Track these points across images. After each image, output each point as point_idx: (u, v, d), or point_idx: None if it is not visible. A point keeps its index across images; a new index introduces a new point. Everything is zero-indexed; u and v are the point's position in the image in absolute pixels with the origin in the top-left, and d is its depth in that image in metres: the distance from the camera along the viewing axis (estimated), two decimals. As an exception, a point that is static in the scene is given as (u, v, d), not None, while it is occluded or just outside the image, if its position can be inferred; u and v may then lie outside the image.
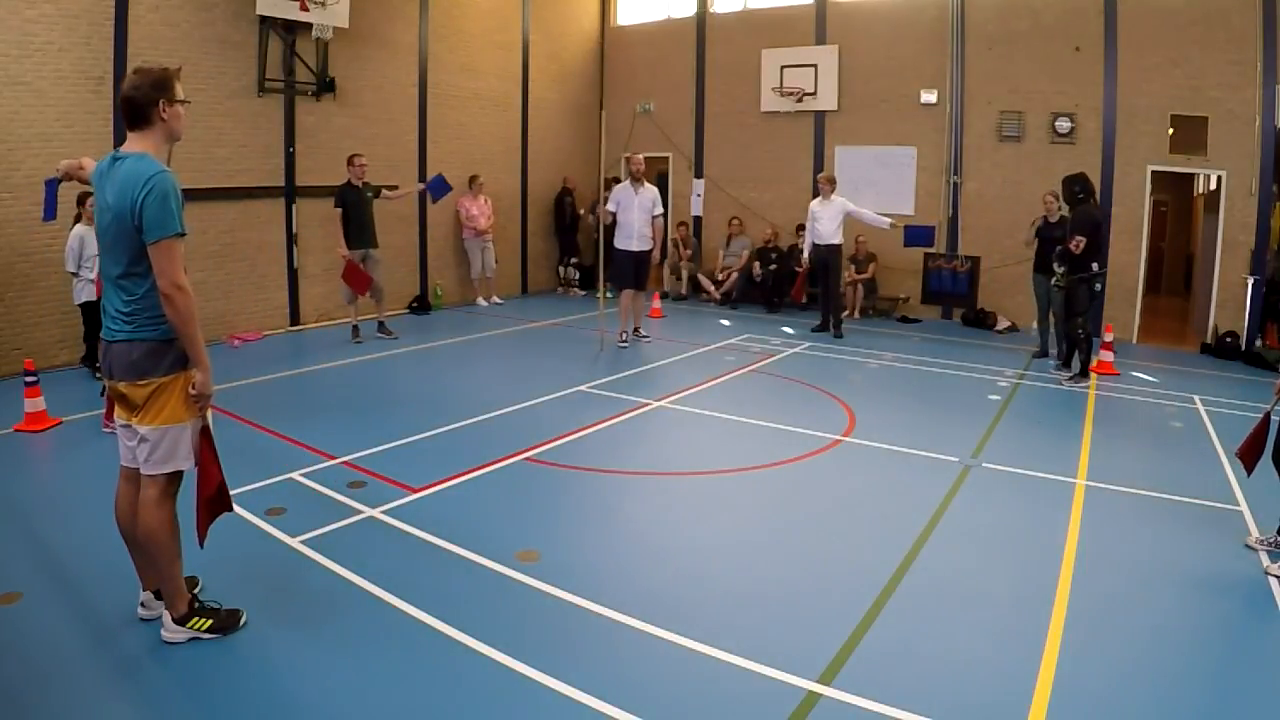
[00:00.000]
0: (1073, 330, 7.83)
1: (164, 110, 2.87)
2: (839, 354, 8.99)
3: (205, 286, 8.75)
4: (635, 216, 8.71)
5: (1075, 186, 7.81)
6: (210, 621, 3.11)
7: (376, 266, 8.92)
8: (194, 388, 2.94)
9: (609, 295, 8.70)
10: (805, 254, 10.32)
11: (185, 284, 2.80)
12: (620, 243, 8.85)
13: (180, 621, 3.07)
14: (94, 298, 6.96)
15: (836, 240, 9.84)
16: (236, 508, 4.33)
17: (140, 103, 2.85)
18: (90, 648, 3.06)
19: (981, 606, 3.55)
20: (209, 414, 3.10)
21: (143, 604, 3.25)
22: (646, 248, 8.90)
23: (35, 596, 3.43)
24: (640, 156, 9.09)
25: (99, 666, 2.95)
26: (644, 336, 9.26)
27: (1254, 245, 9.32)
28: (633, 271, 8.83)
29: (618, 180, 9.31)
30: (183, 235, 2.82)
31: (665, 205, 10.28)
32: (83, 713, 2.69)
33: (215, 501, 3.14)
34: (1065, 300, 7.86)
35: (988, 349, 9.46)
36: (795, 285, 11.50)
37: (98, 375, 7.21)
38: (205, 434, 3.07)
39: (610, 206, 8.84)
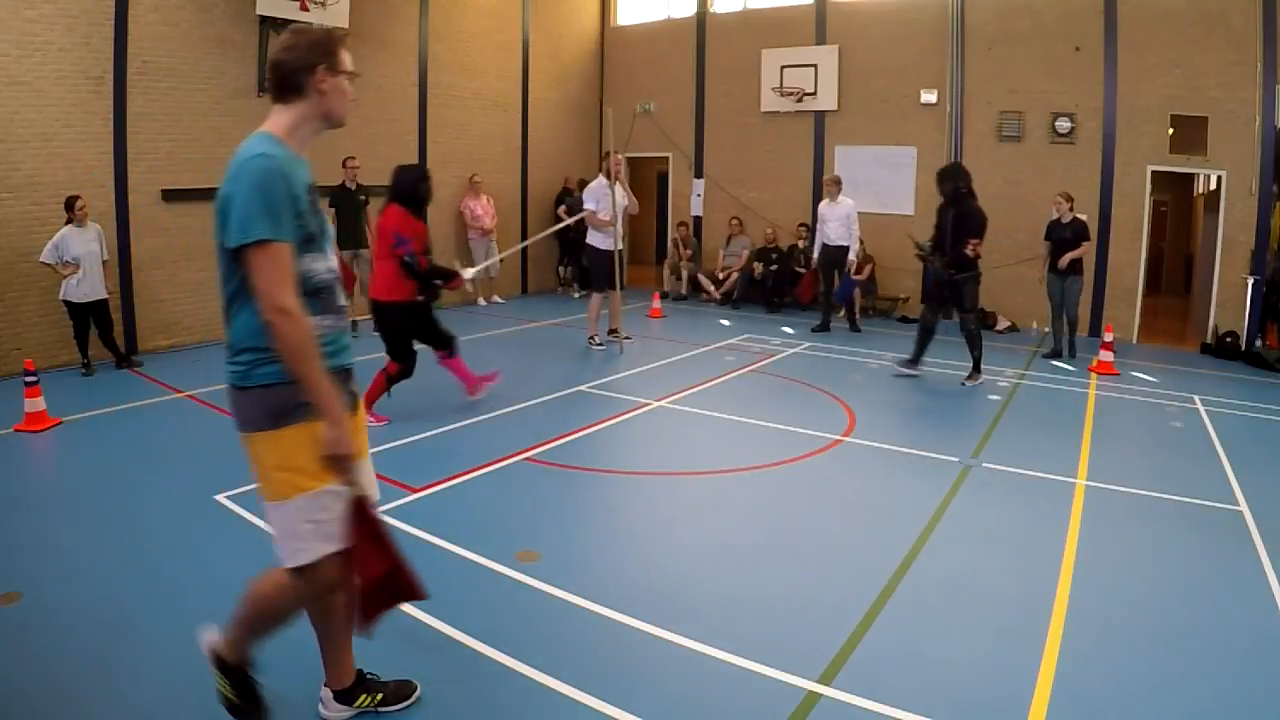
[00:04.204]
0: (969, 327, 7.54)
1: (322, 80, 2.28)
2: (839, 354, 8.99)
3: (205, 286, 8.76)
4: (615, 214, 8.39)
5: (959, 181, 7.34)
6: (229, 689, 2.46)
7: (368, 265, 9.05)
8: (323, 446, 2.19)
9: (580, 295, 8.51)
10: (814, 255, 10.34)
11: (291, 306, 2.11)
12: (601, 242, 8.50)
13: (218, 665, 2.46)
14: (82, 299, 6.99)
15: (845, 242, 9.87)
16: (239, 509, 4.37)
17: (291, 68, 2.27)
18: (89, 648, 3.07)
19: (981, 607, 3.55)
20: (363, 483, 2.38)
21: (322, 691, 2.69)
22: (621, 247, 8.63)
23: (35, 596, 3.43)
24: (620, 158, 8.44)
25: (98, 667, 2.95)
26: (626, 338, 8.94)
27: (1254, 245, 9.32)
28: (614, 271, 8.53)
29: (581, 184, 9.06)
30: (281, 242, 2.13)
31: (665, 205, 10.38)
32: (81, 713, 2.69)
33: (382, 591, 2.41)
34: (955, 298, 7.54)
35: (988, 349, 9.44)
36: (803, 286, 11.52)
37: (85, 372, 7.24)
38: (359, 509, 2.31)
39: (590, 204, 8.41)
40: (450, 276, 5.95)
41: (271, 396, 2.21)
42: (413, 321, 5.82)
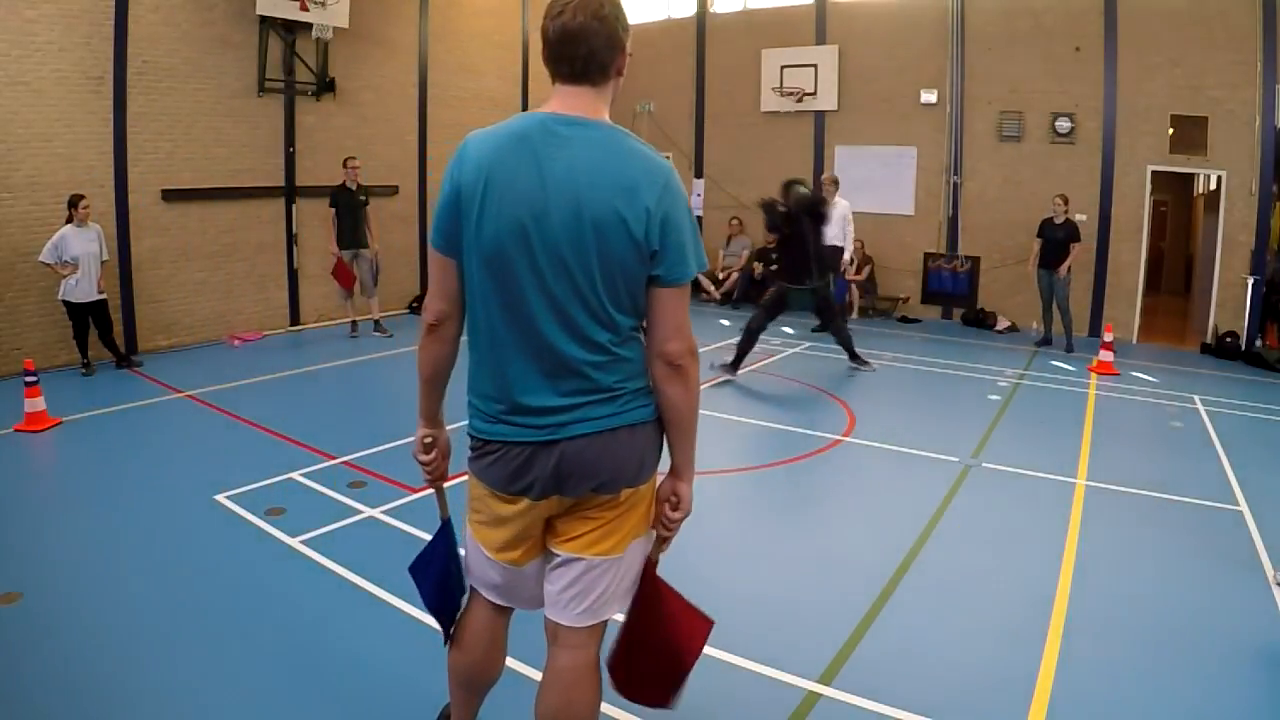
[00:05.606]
0: (843, 326, 7.98)
1: (624, 63, 1.86)
2: (839, 354, 8.96)
3: (205, 286, 8.77)
4: None
5: (817, 200, 7.62)
6: None
7: (368, 265, 9.13)
8: (675, 508, 2.02)
9: None
10: None
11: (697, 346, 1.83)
12: None
13: None
14: (81, 299, 6.97)
15: (840, 242, 9.86)
16: (238, 509, 4.37)
17: (602, 44, 1.79)
18: (89, 648, 3.07)
19: (981, 607, 3.55)
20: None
21: None
22: None
23: (35, 596, 3.43)
24: None
25: (98, 667, 2.95)
26: None
27: (1254, 245, 9.32)
28: None
29: None
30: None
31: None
32: (81, 713, 2.69)
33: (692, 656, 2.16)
34: (821, 304, 7.79)
35: (988, 349, 9.46)
36: None
37: (85, 372, 7.22)
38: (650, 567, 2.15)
39: None
40: None
41: (661, 430, 1.95)
42: None
